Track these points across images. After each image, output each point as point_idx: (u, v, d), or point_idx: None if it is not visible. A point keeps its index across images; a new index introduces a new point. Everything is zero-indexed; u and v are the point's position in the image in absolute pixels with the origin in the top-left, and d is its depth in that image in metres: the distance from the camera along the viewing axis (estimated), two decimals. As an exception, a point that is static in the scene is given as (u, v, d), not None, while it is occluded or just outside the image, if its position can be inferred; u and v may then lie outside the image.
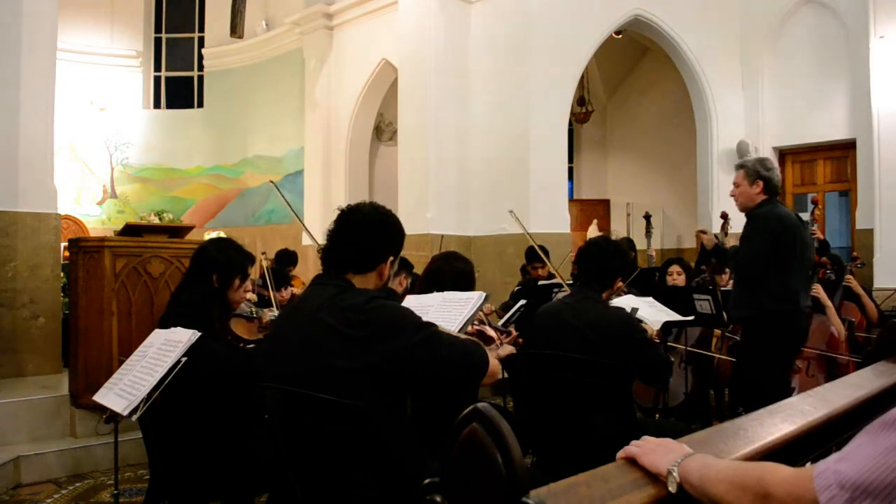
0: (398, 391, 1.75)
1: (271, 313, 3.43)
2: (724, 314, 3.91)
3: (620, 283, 2.95)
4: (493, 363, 1.84)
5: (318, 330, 1.69)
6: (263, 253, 4.86)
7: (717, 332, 4.64)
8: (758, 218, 3.34)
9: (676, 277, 4.84)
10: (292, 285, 5.22)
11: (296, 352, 1.72)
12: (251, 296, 3.52)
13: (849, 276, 4.64)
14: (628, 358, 2.50)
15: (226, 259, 2.66)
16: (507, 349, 2.52)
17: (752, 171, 3.39)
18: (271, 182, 5.63)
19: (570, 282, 4.08)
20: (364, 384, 1.64)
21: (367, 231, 1.83)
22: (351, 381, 1.63)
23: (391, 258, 1.87)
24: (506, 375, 3.08)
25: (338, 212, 1.89)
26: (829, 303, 4.20)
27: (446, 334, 1.80)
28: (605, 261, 2.74)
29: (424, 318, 2.24)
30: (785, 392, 3.26)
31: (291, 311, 1.89)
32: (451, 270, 2.86)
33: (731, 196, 3.56)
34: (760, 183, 3.36)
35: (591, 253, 2.78)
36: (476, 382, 1.87)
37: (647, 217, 7.49)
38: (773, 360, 3.29)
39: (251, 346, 3.02)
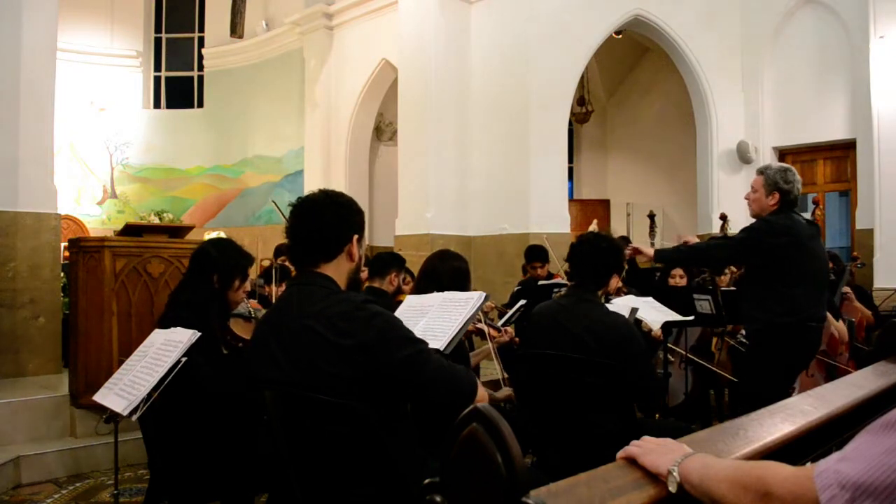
0: (390, 398, 1.72)
1: None
2: (724, 314, 3.91)
3: (618, 282, 2.91)
4: (482, 394, 1.78)
5: (307, 338, 1.66)
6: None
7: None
8: (766, 223, 3.20)
9: (679, 280, 4.84)
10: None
11: (285, 358, 1.69)
12: (252, 303, 3.52)
13: (848, 292, 4.62)
14: (623, 369, 2.46)
15: (226, 260, 2.67)
16: (506, 392, 2.50)
17: (770, 180, 3.24)
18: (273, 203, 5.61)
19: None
20: (358, 389, 1.63)
21: (322, 215, 1.79)
22: (343, 385, 1.62)
23: (356, 237, 1.83)
24: (506, 375, 3.08)
25: (289, 208, 1.85)
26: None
27: (437, 356, 1.74)
28: (599, 259, 2.64)
29: (425, 318, 2.25)
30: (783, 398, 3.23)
31: (275, 314, 1.83)
32: (447, 269, 2.84)
33: (746, 199, 3.41)
34: (777, 195, 3.23)
35: (583, 251, 2.68)
36: (460, 410, 1.81)
37: (651, 216, 7.47)
38: (778, 371, 3.23)
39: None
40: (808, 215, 3.79)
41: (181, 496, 2.43)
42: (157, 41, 12.51)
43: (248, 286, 2.81)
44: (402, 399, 1.78)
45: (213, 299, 2.64)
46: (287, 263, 5.69)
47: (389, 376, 1.65)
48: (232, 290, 2.69)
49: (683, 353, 4.28)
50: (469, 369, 1.83)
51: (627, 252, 3.27)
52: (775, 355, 3.19)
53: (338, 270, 1.81)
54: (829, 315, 4.15)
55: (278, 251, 6.36)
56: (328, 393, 1.61)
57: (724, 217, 5.29)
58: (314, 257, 1.80)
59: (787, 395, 3.36)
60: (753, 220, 3.34)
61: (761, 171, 3.34)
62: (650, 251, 3.45)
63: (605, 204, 11.52)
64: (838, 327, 4.22)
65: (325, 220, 1.79)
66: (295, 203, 1.84)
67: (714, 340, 4.73)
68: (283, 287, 4.60)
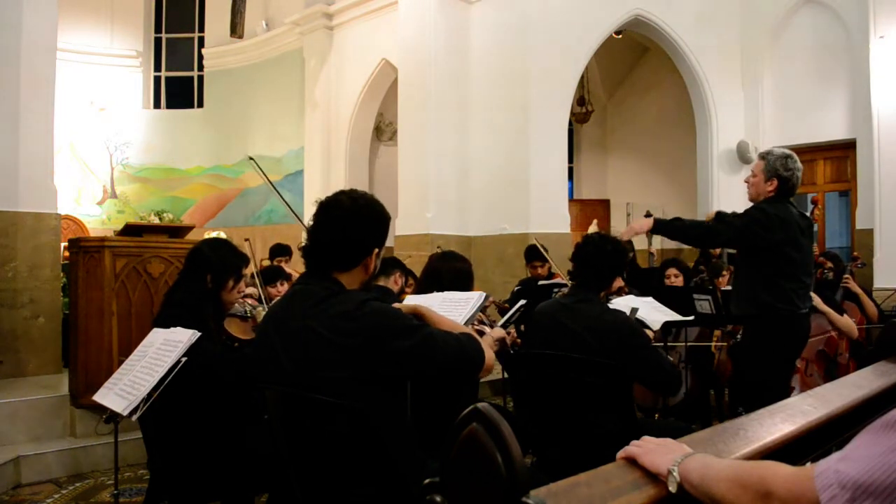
0: (396, 390, 1.73)
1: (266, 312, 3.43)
2: (724, 314, 3.90)
3: (621, 283, 2.91)
4: (489, 356, 1.79)
5: (309, 339, 1.64)
6: (247, 239, 4.61)
7: (717, 332, 4.64)
8: (762, 213, 3.20)
9: (674, 279, 4.83)
10: (289, 279, 5.08)
11: (287, 360, 1.68)
12: (251, 293, 3.51)
13: (847, 277, 4.63)
14: (628, 364, 2.46)
15: (220, 259, 2.67)
16: (499, 332, 2.49)
17: (770, 167, 3.23)
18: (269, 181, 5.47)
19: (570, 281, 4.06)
20: (360, 389, 1.62)
21: (348, 225, 1.74)
22: (346, 386, 1.61)
23: (376, 250, 1.80)
24: (506, 375, 3.07)
25: (315, 205, 1.80)
26: (826, 308, 4.13)
27: (439, 332, 1.74)
28: (603, 261, 2.65)
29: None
30: (785, 392, 3.24)
31: (278, 314, 1.81)
32: (449, 270, 2.85)
33: (745, 182, 3.43)
34: (775, 182, 3.22)
35: (587, 252, 2.68)
36: (473, 376, 1.83)
37: (648, 215, 7.46)
38: (773, 361, 3.27)
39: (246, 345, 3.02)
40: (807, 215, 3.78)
41: (181, 496, 2.43)
42: (157, 41, 12.51)
43: (242, 286, 2.81)
44: (415, 381, 1.77)
45: (206, 299, 2.63)
46: (283, 265, 5.70)
47: (401, 366, 1.65)
48: (226, 291, 2.69)
49: (684, 344, 4.28)
50: (471, 334, 1.82)
51: (626, 233, 3.32)
52: (769, 342, 3.22)
53: (350, 279, 1.78)
54: (832, 311, 4.16)
55: (272, 251, 6.36)
56: (330, 393, 1.61)
57: (723, 216, 5.27)
58: (328, 266, 1.77)
59: (787, 382, 3.37)
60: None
61: (763, 156, 3.35)
62: (648, 222, 3.44)
63: (605, 204, 11.53)
64: (844, 323, 4.18)
65: (347, 234, 1.74)
66: (322, 203, 1.79)
67: (714, 340, 4.73)
68: (276, 287, 4.60)
